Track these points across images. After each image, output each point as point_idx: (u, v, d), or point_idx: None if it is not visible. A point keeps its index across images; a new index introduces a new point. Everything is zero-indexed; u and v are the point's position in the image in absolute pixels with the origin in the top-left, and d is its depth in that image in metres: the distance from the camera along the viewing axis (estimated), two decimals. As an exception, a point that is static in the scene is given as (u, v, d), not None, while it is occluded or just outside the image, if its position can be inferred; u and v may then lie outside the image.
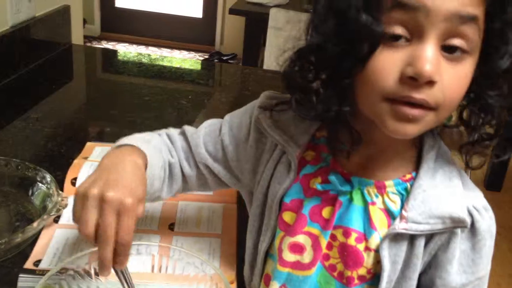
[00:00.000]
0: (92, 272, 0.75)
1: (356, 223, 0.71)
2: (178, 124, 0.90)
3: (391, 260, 0.70)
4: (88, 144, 1.24)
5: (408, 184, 0.71)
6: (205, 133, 0.84)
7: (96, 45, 4.90)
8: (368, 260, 0.71)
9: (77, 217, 0.66)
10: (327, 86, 0.66)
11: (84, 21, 4.78)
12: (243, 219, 0.85)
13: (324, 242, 0.73)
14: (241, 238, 0.87)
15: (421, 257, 0.70)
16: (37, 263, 0.88)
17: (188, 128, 0.86)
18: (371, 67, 0.61)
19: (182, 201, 1.05)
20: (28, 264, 0.87)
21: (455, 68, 0.61)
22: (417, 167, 0.71)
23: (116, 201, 0.65)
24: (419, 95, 0.60)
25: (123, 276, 0.69)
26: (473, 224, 0.69)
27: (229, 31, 4.90)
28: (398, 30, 0.60)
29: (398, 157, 0.72)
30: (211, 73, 2.03)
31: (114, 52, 2.81)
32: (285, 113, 0.75)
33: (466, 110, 0.69)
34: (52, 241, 0.93)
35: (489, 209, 0.71)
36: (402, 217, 0.69)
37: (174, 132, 0.88)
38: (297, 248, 0.75)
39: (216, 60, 4.65)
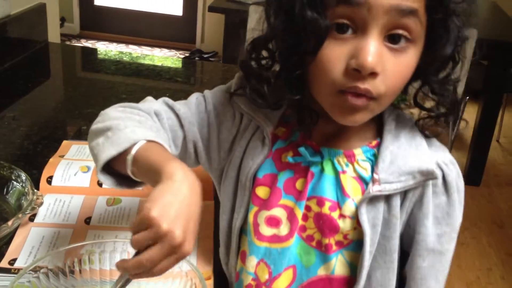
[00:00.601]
0: (67, 270, 0.75)
1: (328, 192, 0.74)
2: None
3: (371, 224, 0.73)
4: (65, 142, 1.23)
5: (376, 150, 0.74)
6: (194, 109, 0.83)
7: (75, 43, 4.86)
8: (343, 226, 0.74)
9: (135, 230, 0.62)
10: (280, 76, 0.70)
11: (63, 20, 4.75)
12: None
13: (299, 213, 0.75)
14: (218, 235, 0.87)
15: (399, 216, 0.73)
16: (12, 262, 0.87)
17: (176, 105, 0.82)
18: (320, 60, 0.65)
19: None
20: (3, 263, 0.87)
21: (398, 58, 0.65)
22: (381, 134, 0.75)
23: (176, 245, 0.61)
24: (363, 85, 0.64)
25: (125, 282, 0.67)
26: (444, 178, 0.73)
27: (210, 29, 4.89)
28: (344, 21, 0.64)
29: (361, 129, 0.75)
30: (189, 71, 2.03)
31: (91, 50, 2.79)
32: None
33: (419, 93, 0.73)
34: (27, 239, 0.92)
35: (455, 163, 0.75)
36: (374, 181, 0.72)
37: (159, 107, 0.82)
38: (274, 222, 0.77)
39: (197, 58, 4.63)
